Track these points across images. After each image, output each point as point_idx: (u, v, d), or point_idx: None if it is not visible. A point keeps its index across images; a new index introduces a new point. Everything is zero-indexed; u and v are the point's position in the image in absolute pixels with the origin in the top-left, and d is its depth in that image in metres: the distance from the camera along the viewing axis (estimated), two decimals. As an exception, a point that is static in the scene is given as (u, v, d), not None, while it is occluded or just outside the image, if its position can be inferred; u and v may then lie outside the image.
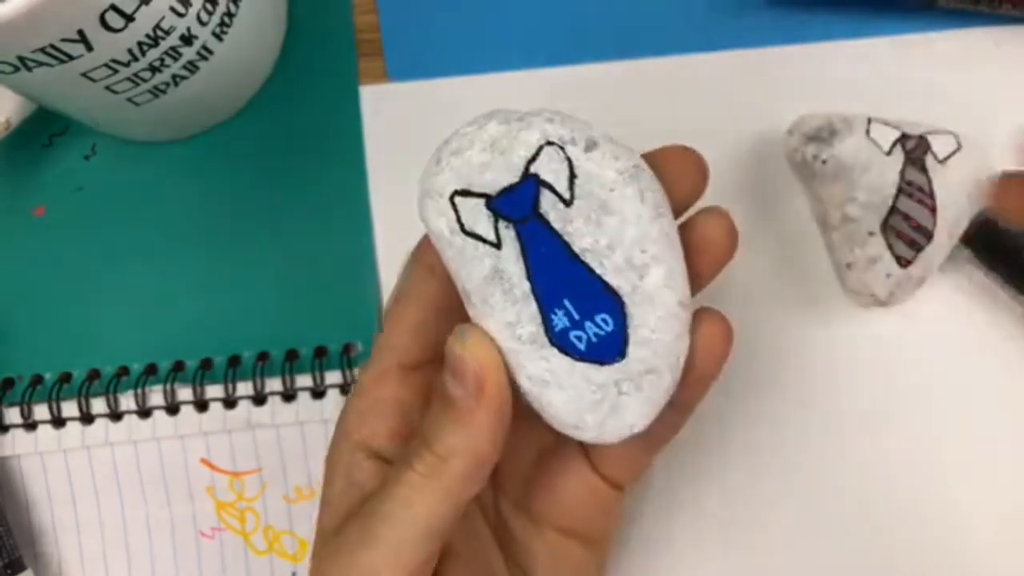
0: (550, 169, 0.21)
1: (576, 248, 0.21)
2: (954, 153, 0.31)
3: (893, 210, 0.31)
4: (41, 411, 0.34)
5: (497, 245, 0.21)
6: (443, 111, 0.36)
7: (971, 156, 0.32)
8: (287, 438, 0.34)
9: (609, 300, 0.22)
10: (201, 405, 0.34)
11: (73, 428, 0.34)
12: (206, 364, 0.34)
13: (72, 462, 0.34)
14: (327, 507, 0.25)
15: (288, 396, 0.33)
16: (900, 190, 0.31)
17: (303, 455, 0.33)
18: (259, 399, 0.33)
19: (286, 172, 0.36)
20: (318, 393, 0.33)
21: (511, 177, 0.21)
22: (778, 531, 0.32)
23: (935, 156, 0.31)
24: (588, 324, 0.21)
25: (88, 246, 0.36)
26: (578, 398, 0.22)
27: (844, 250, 0.31)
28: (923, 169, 0.31)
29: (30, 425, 0.34)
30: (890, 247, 0.31)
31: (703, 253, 0.23)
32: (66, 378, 0.34)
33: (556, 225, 0.21)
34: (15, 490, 0.34)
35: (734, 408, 0.33)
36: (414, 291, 0.25)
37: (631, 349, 0.22)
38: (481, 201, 0.21)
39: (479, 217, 0.21)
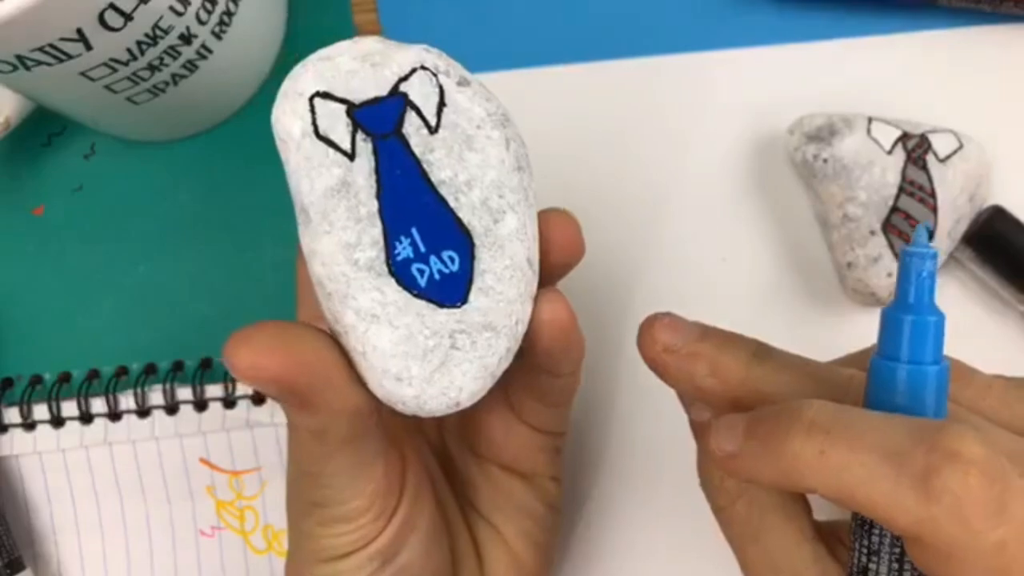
0: (420, 92, 0.20)
1: (433, 178, 0.21)
2: (955, 152, 0.31)
3: (894, 209, 0.31)
4: (40, 411, 0.34)
5: (351, 156, 0.20)
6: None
7: (972, 155, 0.32)
8: (286, 437, 0.33)
9: (459, 238, 0.21)
10: (200, 404, 0.34)
11: (72, 428, 0.34)
12: (205, 364, 0.34)
13: (71, 461, 0.34)
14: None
15: (288, 396, 0.33)
16: (901, 189, 0.31)
17: (302, 455, 0.33)
18: (258, 398, 0.33)
19: (285, 171, 0.36)
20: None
21: (378, 91, 0.20)
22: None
23: (936, 155, 0.31)
24: (433, 259, 0.20)
25: (87, 245, 0.36)
26: (408, 339, 0.20)
27: (845, 249, 0.31)
28: (924, 168, 0.31)
29: (29, 425, 0.34)
30: (891, 246, 0.31)
31: (552, 243, 0.23)
32: (65, 378, 0.34)
33: (416, 150, 0.20)
34: (14, 490, 0.34)
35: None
36: None
37: (472, 296, 0.21)
38: (342, 107, 0.20)
39: (336, 123, 0.20)
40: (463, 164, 0.21)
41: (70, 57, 0.27)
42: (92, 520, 0.34)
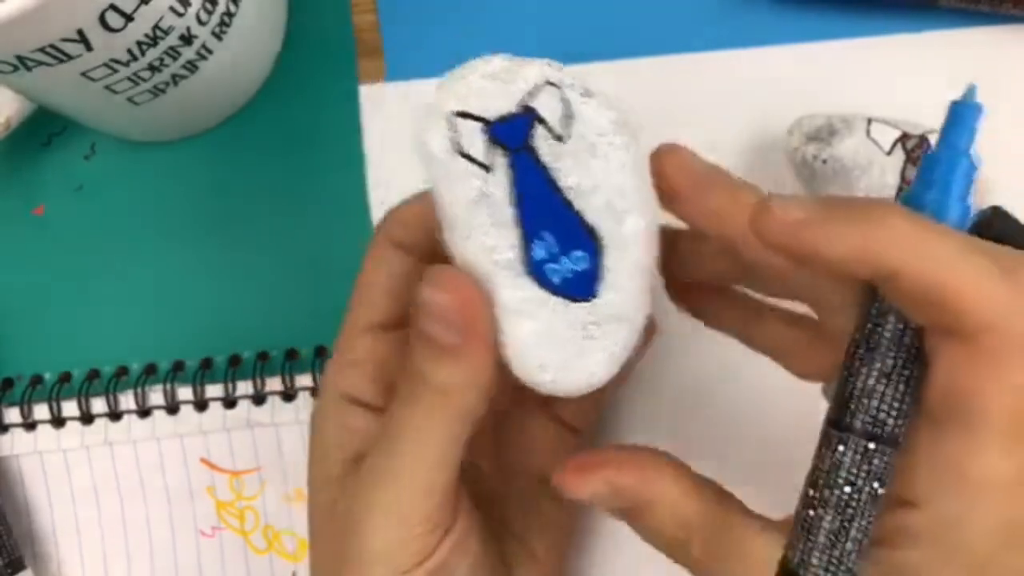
0: (548, 106, 0.22)
1: (561, 184, 0.22)
2: None
3: None
4: (41, 411, 0.34)
5: (488, 169, 0.22)
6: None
7: (974, 147, 0.32)
8: (287, 437, 0.34)
9: (586, 238, 0.23)
10: (201, 405, 0.34)
11: (73, 428, 0.34)
12: (206, 364, 0.34)
13: (72, 461, 0.34)
14: (322, 457, 0.26)
15: (288, 395, 0.33)
16: (901, 190, 0.31)
17: (303, 454, 0.33)
18: (259, 398, 0.33)
19: (285, 171, 0.36)
20: (318, 392, 0.33)
21: (510, 107, 0.22)
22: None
23: None
24: (564, 259, 0.22)
25: (88, 245, 0.36)
26: (548, 332, 0.23)
27: (844, 250, 0.31)
28: (923, 169, 0.31)
29: (30, 425, 0.34)
30: None
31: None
32: (66, 378, 0.34)
33: (546, 159, 0.22)
34: (15, 490, 0.34)
35: (733, 405, 0.33)
36: (383, 260, 0.27)
37: (601, 290, 0.23)
38: (479, 125, 0.22)
39: (475, 140, 0.22)
40: (588, 171, 0.22)
41: (71, 58, 0.27)
42: (92, 520, 0.34)
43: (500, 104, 0.22)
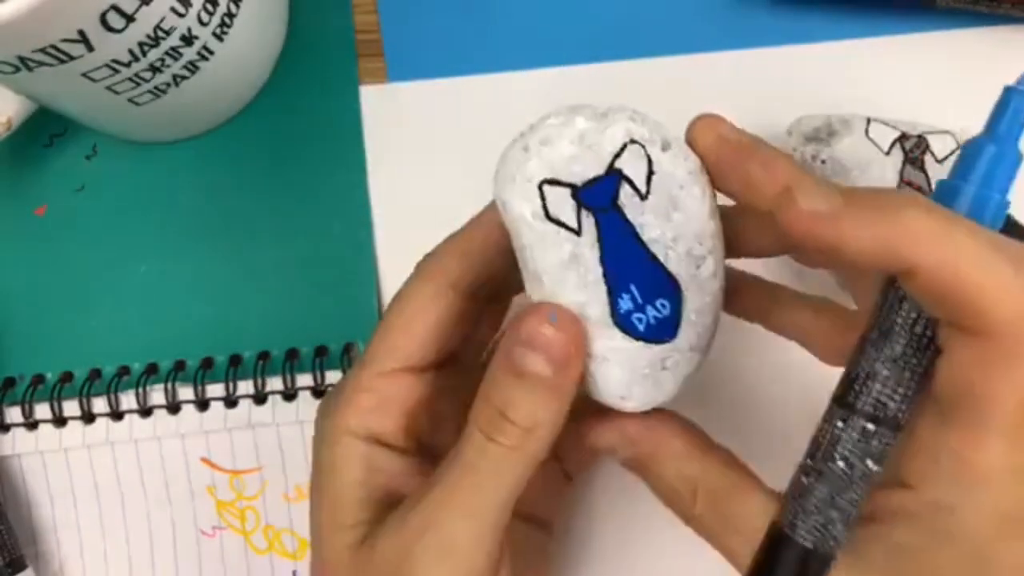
0: (632, 165, 0.23)
1: (645, 238, 0.23)
2: (953, 152, 0.31)
3: None
4: (42, 410, 0.34)
5: (578, 232, 0.23)
6: (443, 111, 0.36)
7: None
8: (287, 437, 0.34)
9: (668, 286, 0.23)
10: (202, 404, 0.34)
11: (74, 427, 0.34)
12: (207, 363, 0.34)
13: (73, 461, 0.34)
14: (337, 499, 0.25)
15: (289, 395, 0.33)
16: (899, 189, 0.31)
17: (303, 454, 0.34)
18: (260, 398, 0.34)
19: (286, 172, 0.36)
20: (319, 392, 0.33)
21: (597, 170, 0.23)
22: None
23: (934, 156, 0.31)
24: (649, 308, 0.23)
25: (89, 246, 0.36)
26: (631, 372, 0.24)
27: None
28: (922, 169, 0.31)
29: (31, 424, 0.34)
30: None
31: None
32: (67, 378, 0.35)
33: (630, 216, 0.23)
34: (16, 489, 0.34)
35: (735, 406, 0.33)
36: (425, 301, 0.26)
37: (681, 330, 0.24)
38: (567, 191, 0.23)
39: (563, 205, 0.23)
40: (670, 223, 0.23)
41: (72, 58, 0.27)
42: (93, 519, 0.34)
43: (588, 169, 0.23)
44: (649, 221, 0.23)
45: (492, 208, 0.25)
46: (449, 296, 0.26)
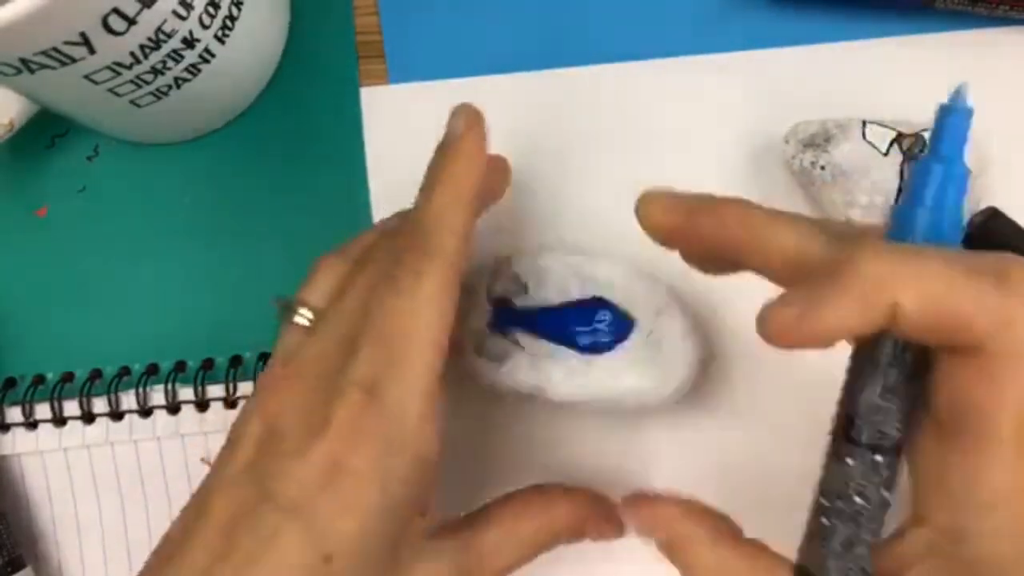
0: (501, 287, 0.31)
1: (551, 303, 0.30)
2: None
3: None
4: (43, 410, 0.34)
5: (520, 346, 0.30)
6: (443, 113, 0.36)
7: (969, 150, 0.32)
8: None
9: (590, 306, 0.30)
10: (202, 405, 0.34)
11: (74, 427, 0.34)
12: (207, 364, 0.34)
13: (73, 461, 0.34)
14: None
15: (288, 396, 0.33)
16: (900, 190, 0.31)
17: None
18: (259, 399, 0.34)
19: (287, 173, 0.36)
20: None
21: (486, 316, 0.31)
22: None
23: None
24: (596, 324, 0.30)
25: (90, 246, 0.36)
26: (638, 362, 0.29)
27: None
28: (922, 167, 0.31)
29: (31, 424, 0.34)
30: None
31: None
32: (68, 378, 0.35)
33: (534, 303, 0.30)
34: (16, 488, 0.35)
35: (738, 407, 0.33)
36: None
37: (633, 311, 0.30)
38: (489, 336, 0.31)
39: (497, 345, 0.30)
40: (549, 280, 0.31)
41: (74, 60, 0.27)
42: (93, 519, 0.34)
43: (480, 318, 0.31)
44: (543, 294, 0.30)
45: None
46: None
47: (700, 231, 0.24)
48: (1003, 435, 0.20)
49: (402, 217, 0.28)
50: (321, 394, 0.25)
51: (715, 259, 0.25)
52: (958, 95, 0.22)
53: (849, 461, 0.21)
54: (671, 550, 0.26)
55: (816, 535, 0.22)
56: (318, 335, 0.27)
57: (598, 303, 0.30)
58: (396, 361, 0.25)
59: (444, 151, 0.28)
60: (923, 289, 0.20)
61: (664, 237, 0.24)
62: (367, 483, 0.24)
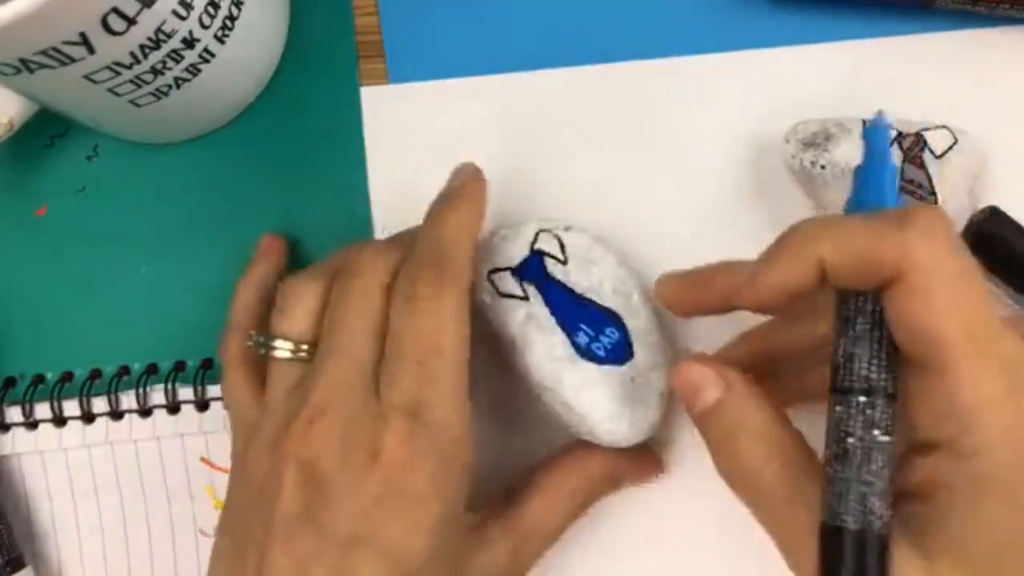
0: (547, 244, 0.31)
1: (578, 290, 0.31)
2: (951, 148, 0.31)
3: None
4: (42, 410, 0.34)
5: (525, 297, 0.30)
6: (444, 112, 0.36)
7: (967, 149, 0.32)
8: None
9: (610, 318, 0.30)
10: (201, 405, 0.34)
11: (74, 427, 0.34)
12: (207, 364, 0.34)
13: (73, 460, 0.34)
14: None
15: (288, 396, 0.33)
16: (901, 189, 0.31)
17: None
18: (259, 399, 0.34)
19: (287, 173, 0.36)
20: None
21: (523, 254, 0.31)
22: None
23: (932, 152, 0.31)
24: (601, 337, 0.30)
25: (90, 246, 0.36)
26: (611, 394, 0.30)
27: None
28: (922, 166, 0.31)
29: (31, 424, 0.34)
30: None
31: None
32: (67, 377, 0.35)
33: (560, 278, 0.31)
34: (16, 488, 0.35)
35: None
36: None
37: (636, 350, 0.30)
38: (507, 272, 0.31)
39: (509, 282, 0.30)
40: (591, 274, 0.31)
41: (73, 60, 0.27)
42: (93, 519, 0.35)
43: (517, 255, 0.31)
44: (575, 278, 0.31)
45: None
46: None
47: (701, 302, 0.28)
48: (957, 344, 0.22)
49: (393, 242, 0.30)
50: (360, 428, 0.26)
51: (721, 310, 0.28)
52: (878, 119, 0.28)
53: (837, 408, 0.23)
54: (719, 418, 0.26)
55: (825, 487, 0.23)
56: (327, 365, 0.27)
57: (614, 319, 0.30)
58: (433, 380, 0.26)
59: (452, 188, 0.30)
60: (837, 241, 0.23)
61: (679, 312, 0.29)
62: (429, 501, 0.26)
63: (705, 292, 0.28)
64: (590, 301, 0.30)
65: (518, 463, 0.32)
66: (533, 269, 0.30)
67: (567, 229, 0.32)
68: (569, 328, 0.30)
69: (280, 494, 0.26)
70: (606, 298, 0.31)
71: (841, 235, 0.23)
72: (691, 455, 0.33)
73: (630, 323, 0.30)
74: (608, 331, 0.30)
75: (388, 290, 0.28)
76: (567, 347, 0.30)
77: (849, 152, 0.31)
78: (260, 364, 0.30)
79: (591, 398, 0.29)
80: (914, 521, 0.22)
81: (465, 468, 0.27)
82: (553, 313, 0.30)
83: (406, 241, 0.30)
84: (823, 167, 0.31)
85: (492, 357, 0.32)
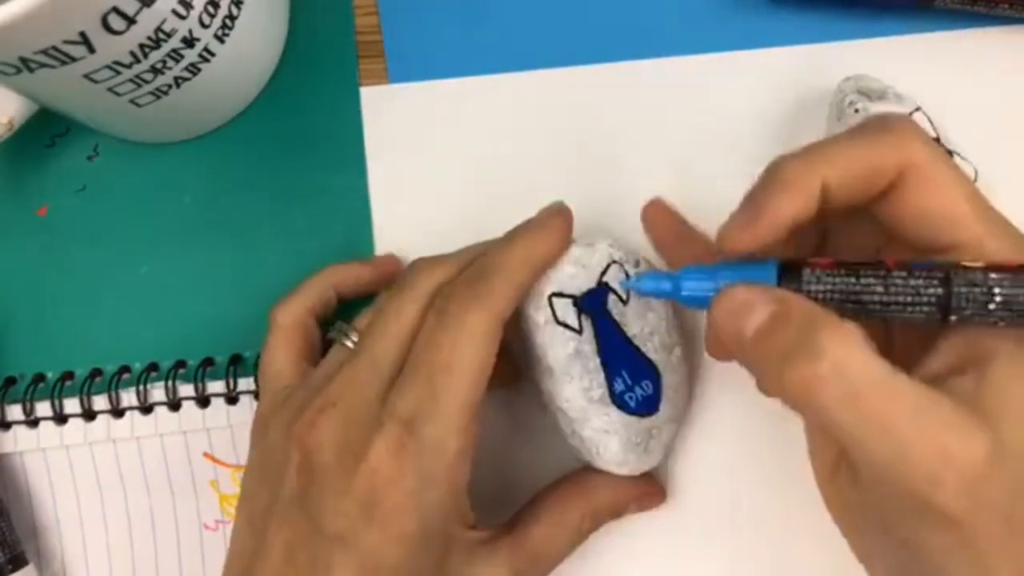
0: (615, 279, 0.30)
1: (629, 333, 0.30)
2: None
3: None
4: (43, 408, 0.34)
5: (579, 331, 0.29)
6: (443, 112, 0.36)
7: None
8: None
9: (649, 370, 0.30)
10: (203, 401, 0.34)
11: (75, 424, 0.34)
12: (207, 363, 0.34)
13: (75, 458, 0.35)
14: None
15: (288, 394, 0.34)
16: None
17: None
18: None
19: (287, 173, 0.36)
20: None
21: (590, 284, 0.30)
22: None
23: None
24: (637, 388, 0.30)
25: (90, 246, 0.36)
26: (627, 441, 0.30)
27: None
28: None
29: (32, 422, 0.34)
30: None
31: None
32: (68, 377, 0.35)
33: (617, 317, 0.30)
34: (18, 485, 0.35)
35: (744, 409, 0.33)
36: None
37: (662, 404, 0.30)
38: (569, 300, 0.29)
39: (568, 311, 0.29)
40: (645, 321, 0.30)
41: (73, 60, 0.27)
42: (96, 515, 0.35)
43: (583, 284, 0.30)
44: (630, 320, 0.30)
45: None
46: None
47: (684, 242, 0.30)
48: (969, 212, 0.24)
49: (457, 256, 0.30)
50: (359, 427, 0.26)
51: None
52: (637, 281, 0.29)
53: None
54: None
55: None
56: (352, 362, 0.28)
57: (652, 372, 0.30)
58: (436, 395, 0.26)
59: (536, 217, 0.30)
60: (838, 162, 0.24)
61: (657, 243, 0.31)
62: (405, 515, 0.26)
63: (693, 251, 0.29)
64: (636, 349, 0.30)
65: (523, 469, 0.32)
66: (595, 301, 0.30)
67: (637, 264, 0.31)
68: (611, 371, 0.29)
69: (286, 472, 0.27)
70: (651, 349, 0.30)
71: (840, 155, 0.24)
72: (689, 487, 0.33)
73: (666, 378, 0.30)
74: (644, 383, 0.30)
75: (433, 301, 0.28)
76: (602, 390, 0.29)
77: (885, 111, 0.32)
78: (305, 339, 0.31)
79: (607, 441, 0.30)
80: (967, 395, 0.22)
81: (454, 491, 0.27)
82: (600, 352, 0.29)
83: (466, 257, 0.30)
84: (857, 111, 0.32)
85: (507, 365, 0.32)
